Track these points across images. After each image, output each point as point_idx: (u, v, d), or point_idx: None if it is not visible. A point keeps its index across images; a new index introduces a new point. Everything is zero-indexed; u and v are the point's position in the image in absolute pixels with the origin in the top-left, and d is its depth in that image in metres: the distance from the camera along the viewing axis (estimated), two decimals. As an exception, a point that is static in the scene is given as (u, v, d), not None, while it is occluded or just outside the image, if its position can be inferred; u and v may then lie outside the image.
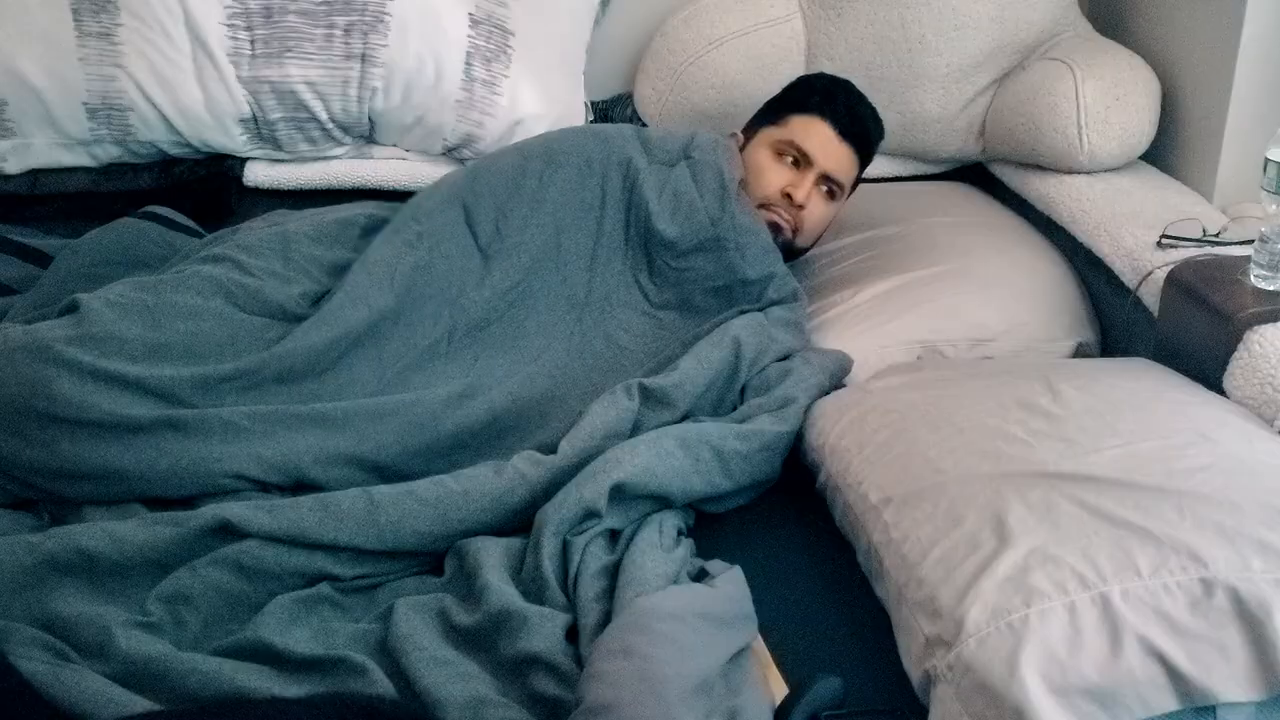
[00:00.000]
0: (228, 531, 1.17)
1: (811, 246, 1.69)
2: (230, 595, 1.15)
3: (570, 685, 1.02)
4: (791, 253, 1.64)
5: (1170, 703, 0.95)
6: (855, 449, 1.27)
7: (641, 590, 1.10)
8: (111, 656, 1.04)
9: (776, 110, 1.67)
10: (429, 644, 1.08)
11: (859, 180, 1.70)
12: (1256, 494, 1.07)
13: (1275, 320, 1.33)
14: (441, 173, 1.78)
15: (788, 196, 1.59)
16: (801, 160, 1.61)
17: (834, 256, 1.75)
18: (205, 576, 1.14)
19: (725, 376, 1.43)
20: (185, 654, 1.06)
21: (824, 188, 1.61)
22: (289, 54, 1.80)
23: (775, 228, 1.59)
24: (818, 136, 1.61)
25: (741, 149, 1.66)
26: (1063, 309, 1.62)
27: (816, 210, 1.62)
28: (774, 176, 1.60)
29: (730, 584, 1.14)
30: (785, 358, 1.48)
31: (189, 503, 1.25)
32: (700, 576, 1.18)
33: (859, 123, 1.64)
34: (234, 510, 1.18)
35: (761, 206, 1.59)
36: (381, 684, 1.03)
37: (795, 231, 1.61)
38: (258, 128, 1.84)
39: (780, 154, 1.62)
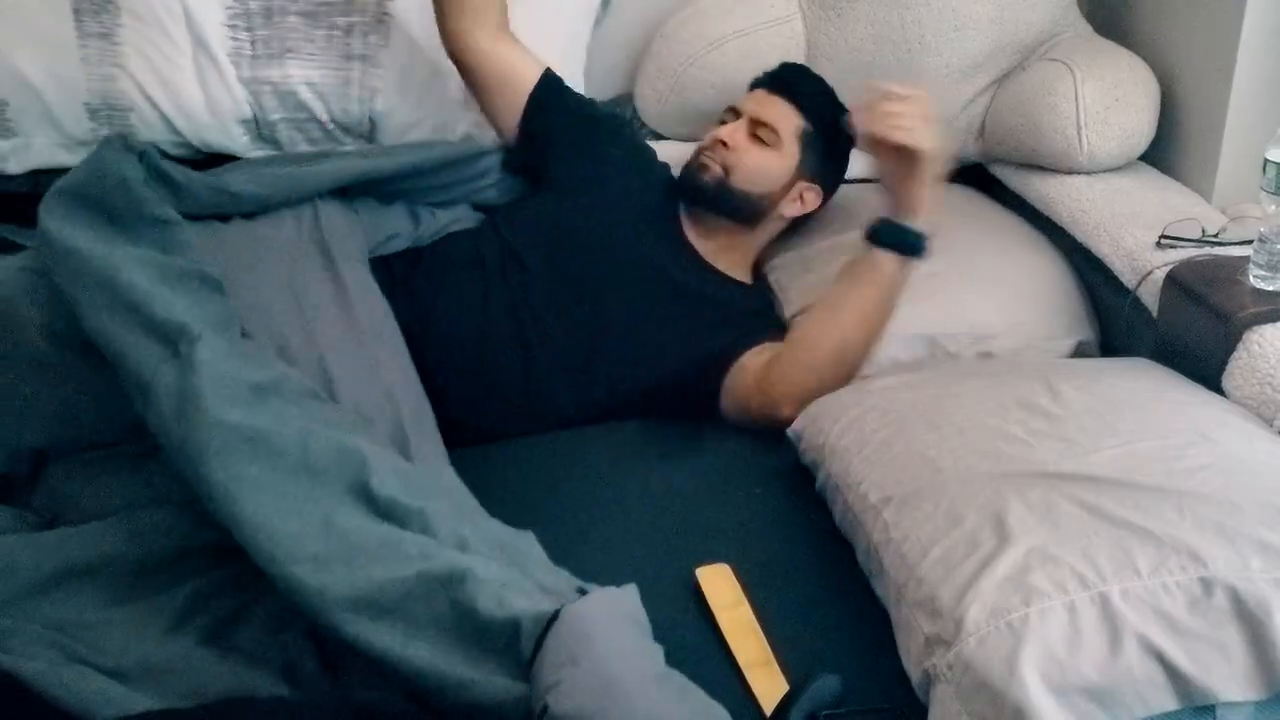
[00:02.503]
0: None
1: (762, 198, 1.70)
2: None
3: None
4: (733, 195, 1.69)
5: (1170, 702, 0.95)
6: (855, 449, 1.27)
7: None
8: (126, 654, 1.05)
9: None
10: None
11: (817, 142, 1.72)
12: (1256, 494, 1.07)
13: (1274, 320, 1.33)
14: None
15: (721, 143, 1.70)
16: (734, 115, 1.74)
17: (835, 253, 1.75)
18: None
19: None
20: (200, 650, 1.06)
21: (755, 134, 1.70)
22: (290, 54, 1.80)
23: (704, 168, 1.69)
24: (749, 97, 1.76)
25: None
26: (1062, 309, 1.62)
27: (749, 154, 1.69)
28: (710, 132, 1.74)
29: (630, 594, 1.11)
30: None
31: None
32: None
33: (786, 75, 1.76)
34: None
35: (698, 153, 1.72)
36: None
37: (727, 171, 1.68)
38: (258, 128, 1.84)
39: (721, 121, 1.76)
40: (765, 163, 1.69)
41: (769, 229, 1.75)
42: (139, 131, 1.81)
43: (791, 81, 1.75)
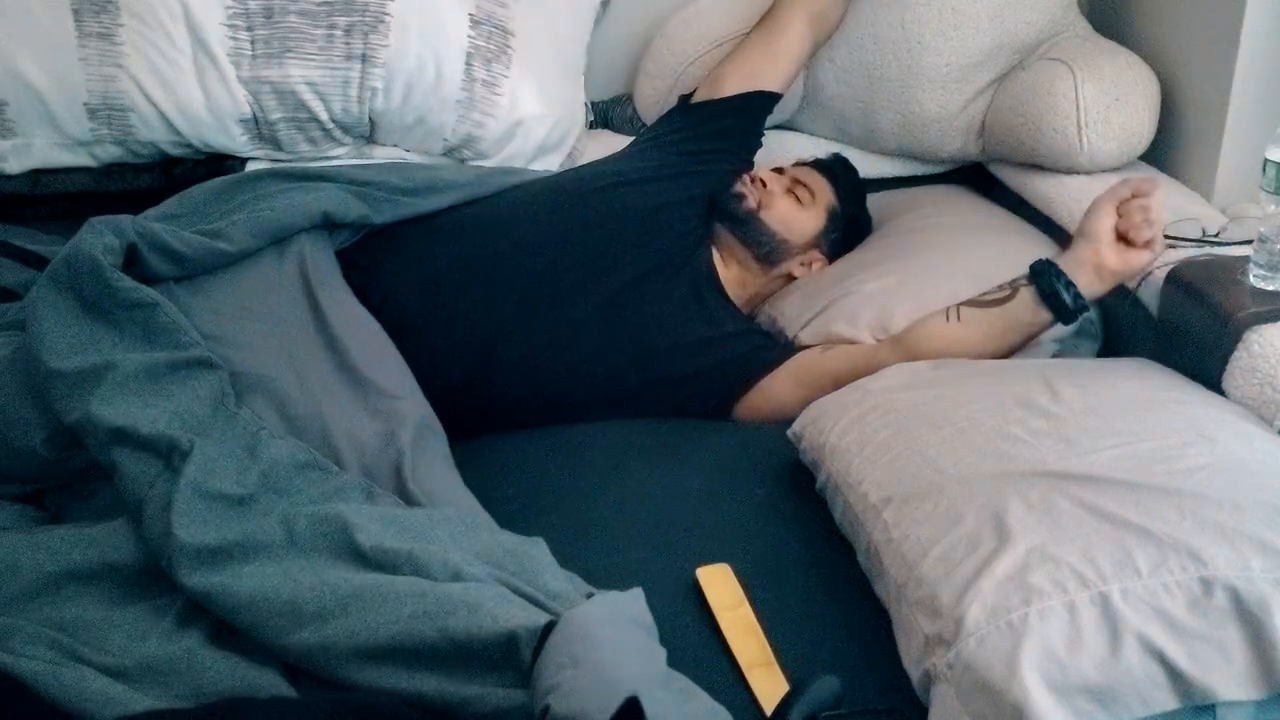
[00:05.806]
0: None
1: (783, 242, 1.75)
2: None
3: None
4: (760, 228, 1.74)
5: (1169, 701, 0.95)
6: (855, 449, 1.27)
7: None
8: (128, 654, 1.05)
9: None
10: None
11: (840, 223, 1.80)
12: (1256, 494, 1.07)
13: (1274, 320, 1.33)
14: (442, 173, 1.79)
15: (761, 181, 1.79)
16: (777, 173, 1.83)
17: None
18: None
19: None
20: (202, 650, 1.06)
21: (792, 190, 1.79)
22: (289, 54, 1.80)
23: (740, 196, 1.75)
24: (794, 166, 1.87)
25: None
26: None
27: (782, 201, 1.77)
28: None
29: (635, 598, 1.12)
30: None
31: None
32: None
33: (833, 160, 1.89)
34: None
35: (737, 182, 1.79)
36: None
37: (759, 206, 1.74)
38: (258, 128, 1.84)
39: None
40: (794, 214, 1.77)
41: (775, 281, 1.78)
42: (139, 131, 1.81)
43: (835, 166, 1.87)
